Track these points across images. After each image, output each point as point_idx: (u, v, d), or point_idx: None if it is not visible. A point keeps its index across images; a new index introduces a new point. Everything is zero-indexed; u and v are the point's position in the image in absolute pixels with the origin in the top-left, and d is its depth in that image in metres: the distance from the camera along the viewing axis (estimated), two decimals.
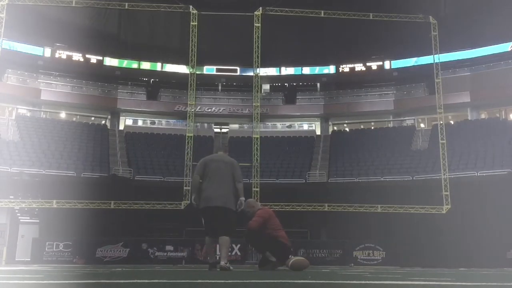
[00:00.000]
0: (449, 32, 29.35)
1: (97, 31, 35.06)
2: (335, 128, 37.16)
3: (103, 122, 36.06)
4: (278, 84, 38.82)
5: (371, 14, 26.29)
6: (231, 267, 6.69)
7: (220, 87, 38.26)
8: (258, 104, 26.49)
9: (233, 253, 21.73)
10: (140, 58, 36.57)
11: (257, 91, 26.31)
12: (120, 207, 23.33)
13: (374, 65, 36.15)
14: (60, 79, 34.99)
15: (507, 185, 22.18)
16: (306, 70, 37.42)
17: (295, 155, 31.98)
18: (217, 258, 7.60)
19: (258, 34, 25.64)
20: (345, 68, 36.55)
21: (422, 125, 34.80)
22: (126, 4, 27.40)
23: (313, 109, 36.65)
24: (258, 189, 23.55)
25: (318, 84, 38.31)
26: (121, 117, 35.95)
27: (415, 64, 34.90)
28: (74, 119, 35.01)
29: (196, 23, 25.93)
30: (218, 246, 7.24)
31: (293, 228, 21.44)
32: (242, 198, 7.04)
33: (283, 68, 37.33)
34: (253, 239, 7.61)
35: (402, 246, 21.73)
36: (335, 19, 26.97)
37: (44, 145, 29.01)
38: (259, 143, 25.30)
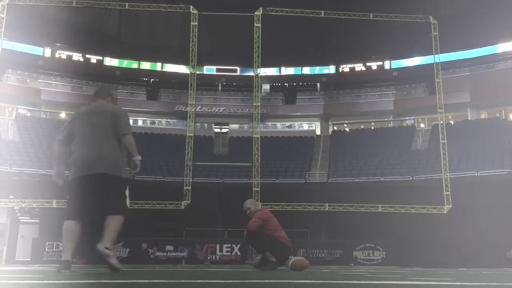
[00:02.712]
0: (449, 32, 29.33)
1: (97, 31, 35.05)
2: (335, 128, 37.16)
3: None
4: (278, 84, 38.82)
5: (371, 14, 26.28)
6: (118, 266, 4.72)
7: (220, 87, 38.26)
8: (258, 104, 26.48)
9: (233, 253, 21.73)
10: (140, 58, 36.56)
11: (257, 91, 26.31)
12: None
13: (374, 65, 36.15)
14: (60, 79, 34.99)
15: (507, 185, 22.18)
16: (306, 70, 37.42)
17: (295, 155, 31.95)
18: (65, 258, 5.08)
19: (258, 34, 25.65)
20: (345, 68, 36.54)
21: (422, 125, 34.80)
22: (127, 4, 27.39)
23: (313, 109, 36.65)
24: (258, 189, 23.57)
25: (318, 84, 38.31)
26: None
27: (415, 64, 34.90)
28: None
29: (196, 23, 25.93)
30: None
31: (293, 228, 21.43)
32: (138, 157, 5.12)
33: (283, 68, 37.32)
34: (253, 239, 7.70)
35: (402, 246, 21.70)
36: (335, 19, 26.96)
37: (44, 145, 28.97)
38: (259, 143, 25.30)
